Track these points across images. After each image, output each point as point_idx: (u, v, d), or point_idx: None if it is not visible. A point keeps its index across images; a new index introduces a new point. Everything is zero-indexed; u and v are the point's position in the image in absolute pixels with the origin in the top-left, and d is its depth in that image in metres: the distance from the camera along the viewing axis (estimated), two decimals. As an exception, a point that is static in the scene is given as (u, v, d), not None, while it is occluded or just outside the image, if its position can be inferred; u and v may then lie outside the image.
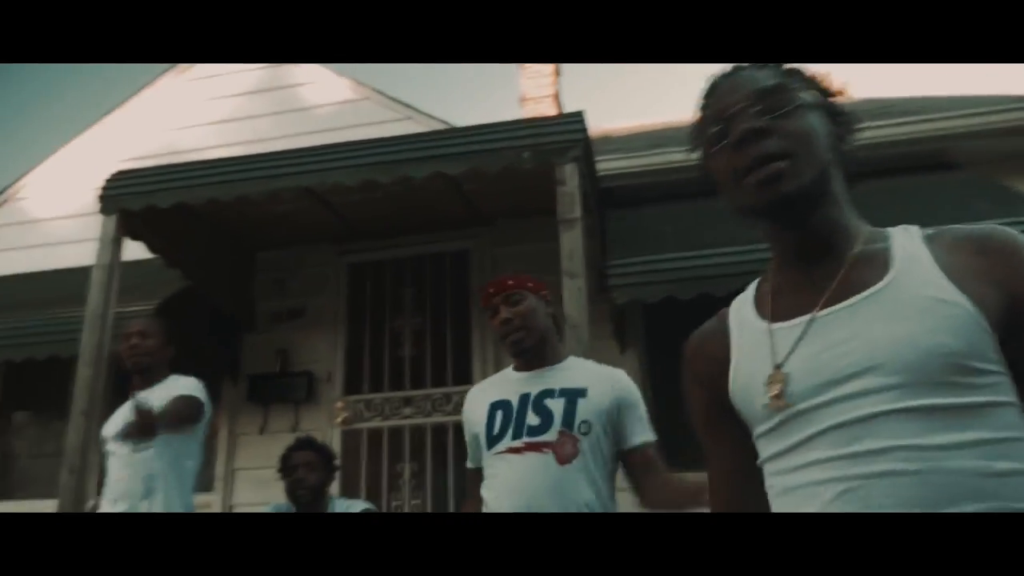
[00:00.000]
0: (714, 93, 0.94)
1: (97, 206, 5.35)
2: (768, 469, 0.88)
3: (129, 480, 2.67)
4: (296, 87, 5.80)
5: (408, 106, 5.47)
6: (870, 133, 4.24)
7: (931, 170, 4.23)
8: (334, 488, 3.43)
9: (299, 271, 4.93)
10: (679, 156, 4.49)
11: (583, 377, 1.90)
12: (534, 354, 1.93)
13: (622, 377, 1.94)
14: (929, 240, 0.86)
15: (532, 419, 1.82)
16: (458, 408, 1.86)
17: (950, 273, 0.81)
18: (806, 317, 0.85)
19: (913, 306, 0.80)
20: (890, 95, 6.73)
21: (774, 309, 0.90)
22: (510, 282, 1.96)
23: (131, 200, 3.71)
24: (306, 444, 3.12)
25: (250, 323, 4.85)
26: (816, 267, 0.88)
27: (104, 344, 3.58)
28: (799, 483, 0.82)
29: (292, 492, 2.99)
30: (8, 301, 4.92)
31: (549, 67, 7.80)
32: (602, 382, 1.89)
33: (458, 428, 2.34)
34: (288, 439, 4.15)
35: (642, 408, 1.90)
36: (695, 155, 0.98)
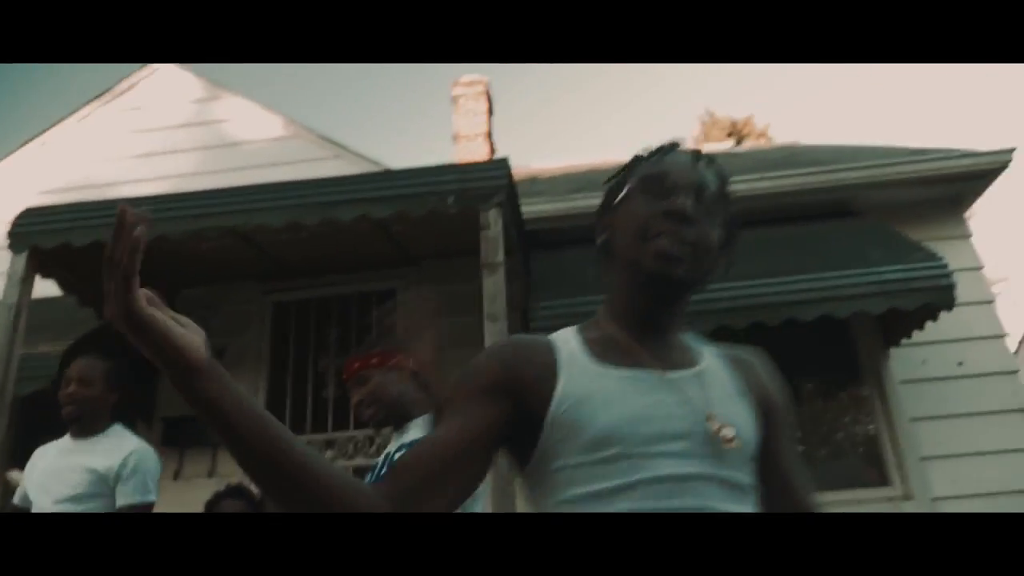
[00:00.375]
0: (671, 157, 1.03)
1: (5, 242, 5.19)
2: (572, 510, 0.89)
3: None
4: (224, 122, 5.76)
5: (338, 144, 5.50)
6: (779, 182, 4.51)
7: (831, 217, 4.50)
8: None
9: (222, 309, 4.84)
10: (597, 201, 4.65)
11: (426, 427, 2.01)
12: (393, 420, 2.06)
13: None
14: (716, 352, 1.05)
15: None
16: (380, 450, 1.91)
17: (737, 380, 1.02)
18: (650, 373, 0.95)
19: (725, 393, 0.98)
20: (801, 141, 7.13)
21: (610, 358, 0.96)
22: (356, 364, 2.10)
23: (43, 237, 3.61)
24: (236, 493, 3.03)
25: (169, 363, 4.73)
26: (649, 337, 0.99)
27: (9, 388, 3.44)
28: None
29: None
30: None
31: (483, 106, 7.97)
32: None
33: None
34: (205, 483, 4.07)
35: None
36: (610, 182, 1.07)
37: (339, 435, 4.52)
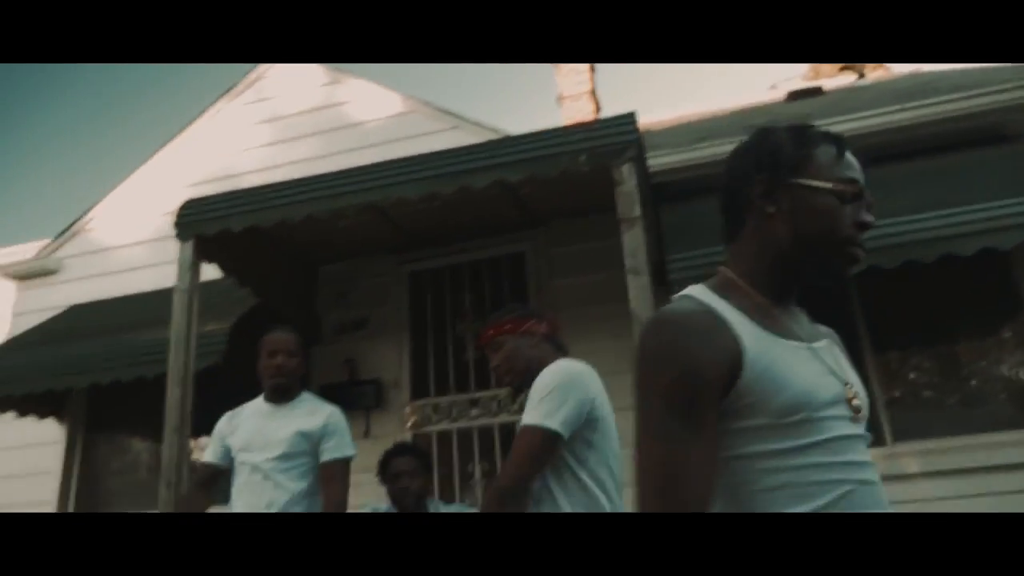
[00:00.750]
0: (851, 160, 1.10)
1: (166, 232, 5.60)
2: (759, 464, 0.97)
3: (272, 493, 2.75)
4: (346, 104, 5.98)
5: (455, 115, 5.61)
6: (923, 111, 4.26)
7: (981, 144, 4.21)
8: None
9: (360, 282, 5.09)
10: (724, 148, 4.55)
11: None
12: (528, 384, 2.07)
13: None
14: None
15: None
16: (523, 408, 1.99)
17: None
18: (802, 344, 1.05)
19: (847, 364, 1.12)
20: (923, 69, 6.67)
21: (772, 328, 1.04)
22: (490, 331, 2.21)
23: (205, 225, 3.90)
24: (405, 450, 3.24)
25: (316, 335, 5.03)
26: (785, 308, 1.10)
27: (190, 364, 3.77)
28: (797, 481, 0.96)
29: (398, 499, 3.12)
30: (87, 328, 5.18)
31: (584, 65, 7.89)
32: None
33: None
34: (362, 444, 4.34)
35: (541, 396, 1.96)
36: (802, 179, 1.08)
37: (482, 394, 4.69)
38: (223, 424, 2.97)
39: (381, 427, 4.70)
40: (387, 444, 3.46)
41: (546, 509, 1.91)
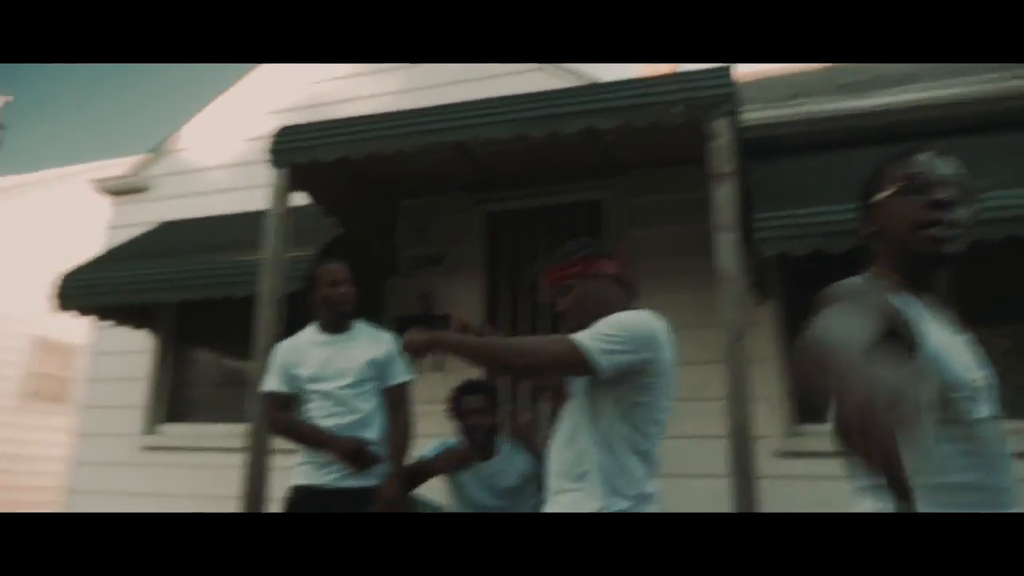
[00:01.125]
0: (918, 159, 1.30)
1: (250, 157, 5.77)
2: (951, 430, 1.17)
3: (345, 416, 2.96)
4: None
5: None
6: (1005, 85, 4.05)
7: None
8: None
9: (439, 219, 5.18)
10: (817, 108, 4.42)
11: None
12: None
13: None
14: None
15: None
16: None
17: None
18: (955, 332, 1.30)
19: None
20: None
21: (933, 316, 1.27)
22: (556, 274, 2.03)
23: (298, 154, 4.01)
24: (475, 388, 3.34)
25: (393, 268, 5.18)
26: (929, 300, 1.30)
27: (279, 287, 3.94)
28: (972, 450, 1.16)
29: (470, 436, 3.26)
30: (179, 245, 5.43)
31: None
32: None
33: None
34: (432, 377, 4.49)
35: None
36: (879, 195, 1.33)
37: (553, 338, 4.77)
38: (284, 355, 3.10)
39: (452, 363, 4.85)
40: (458, 379, 3.60)
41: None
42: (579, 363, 1.75)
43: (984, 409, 1.18)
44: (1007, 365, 4.10)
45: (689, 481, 3.93)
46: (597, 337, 1.78)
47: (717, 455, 3.19)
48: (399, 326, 5.02)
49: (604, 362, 1.75)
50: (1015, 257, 3.74)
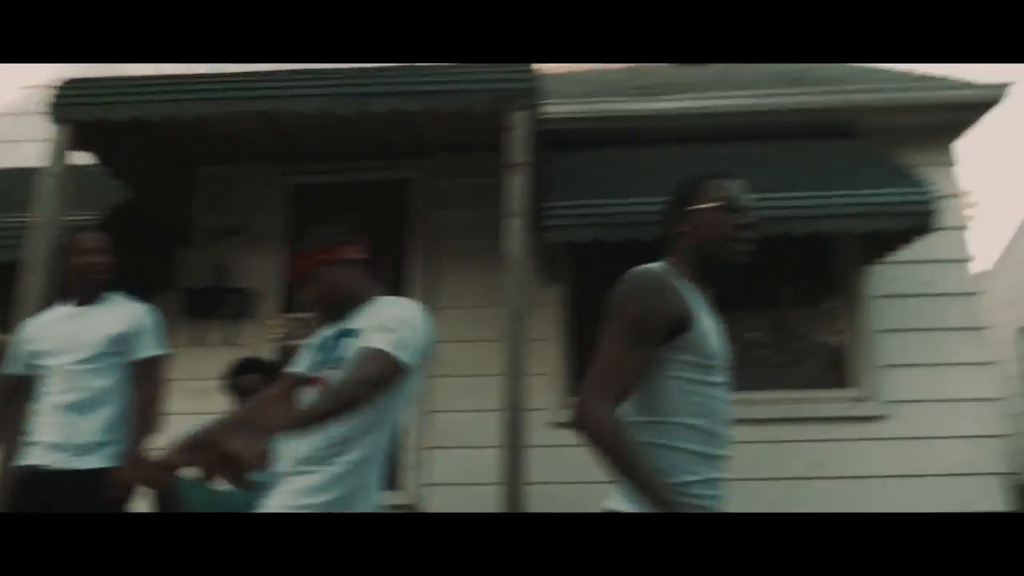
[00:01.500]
0: (731, 183, 1.67)
1: (24, 108, 5.21)
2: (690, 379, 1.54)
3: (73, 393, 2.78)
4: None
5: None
6: (782, 100, 4.70)
7: (826, 137, 4.71)
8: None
9: (240, 189, 5.00)
10: (614, 107, 4.82)
11: (365, 318, 1.94)
12: (341, 313, 2.00)
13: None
14: None
15: (316, 357, 1.98)
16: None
17: None
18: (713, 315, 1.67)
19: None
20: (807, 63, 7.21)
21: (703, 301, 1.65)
22: (303, 262, 2.01)
23: (84, 111, 3.71)
24: (252, 367, 3.29)
25: (187, 237, 4.93)
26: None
27: (49, 254, 3.63)
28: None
29: None
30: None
31: None
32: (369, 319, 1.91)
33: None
34: (222, 352, 4.35)
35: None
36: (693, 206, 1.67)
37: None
38: (26, 330, 2.94)
39: (245, 336, 4.74)
40: (248, 353, 3.52)
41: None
42: (397, 371, 1.77)
43: (721, 376, 1.57)
44: (745, 344, 4.77)
45: (468, 452, 4.20)
46: (390, 337, 1.79)
47: (496, 428, 3.38)
48: (187, 298, 4.82)
49: (407, 358, 1.79)
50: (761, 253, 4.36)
